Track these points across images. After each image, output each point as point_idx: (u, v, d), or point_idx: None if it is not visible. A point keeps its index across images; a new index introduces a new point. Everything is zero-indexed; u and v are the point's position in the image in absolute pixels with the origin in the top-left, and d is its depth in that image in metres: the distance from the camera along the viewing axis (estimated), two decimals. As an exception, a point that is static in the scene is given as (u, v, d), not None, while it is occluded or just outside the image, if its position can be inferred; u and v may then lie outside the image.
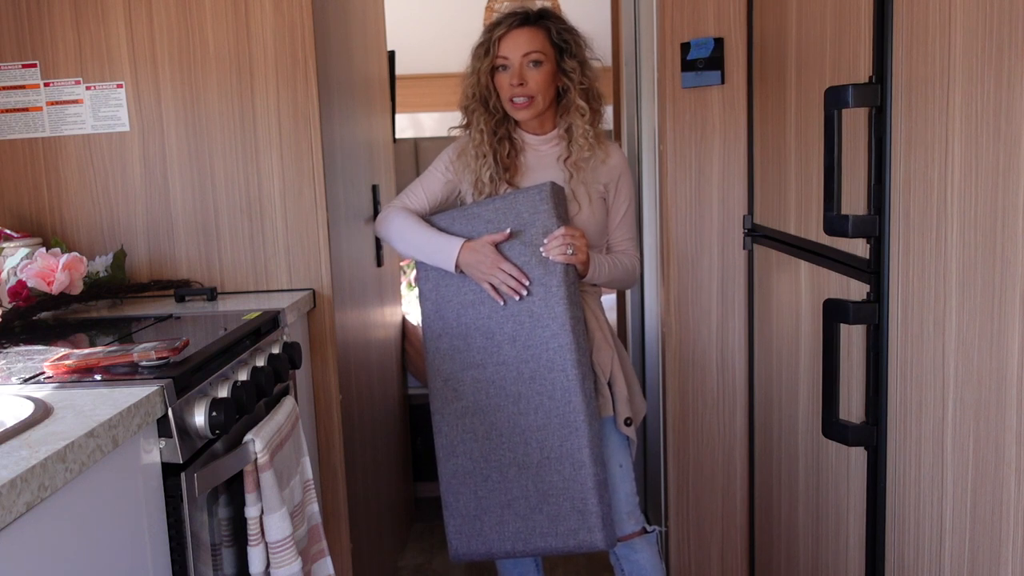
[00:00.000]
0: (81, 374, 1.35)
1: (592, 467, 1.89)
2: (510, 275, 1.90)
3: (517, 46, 1.94)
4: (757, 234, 2.10)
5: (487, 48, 1.97)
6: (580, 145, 1.98)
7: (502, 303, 1.92)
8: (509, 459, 1.95)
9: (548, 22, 1.98)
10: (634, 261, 2.08)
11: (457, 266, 1.94)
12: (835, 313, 1.40)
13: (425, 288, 2.02)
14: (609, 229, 2.06)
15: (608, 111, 2.07)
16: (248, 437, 1.50)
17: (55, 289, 1.88)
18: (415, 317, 3.48)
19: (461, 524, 2.01)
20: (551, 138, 2.03)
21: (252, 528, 1.48)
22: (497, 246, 1.92)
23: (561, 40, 1.97)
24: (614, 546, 1.95)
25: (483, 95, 1.99)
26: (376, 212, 2.75)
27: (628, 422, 1.98)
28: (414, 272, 4.03)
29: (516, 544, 1.97)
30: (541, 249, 1.89)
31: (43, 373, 1.37)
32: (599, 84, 2.03)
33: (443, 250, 1.95)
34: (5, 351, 1.57)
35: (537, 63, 1.93)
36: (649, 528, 2.03)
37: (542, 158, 2.03)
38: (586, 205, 1.99)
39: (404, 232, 2.01)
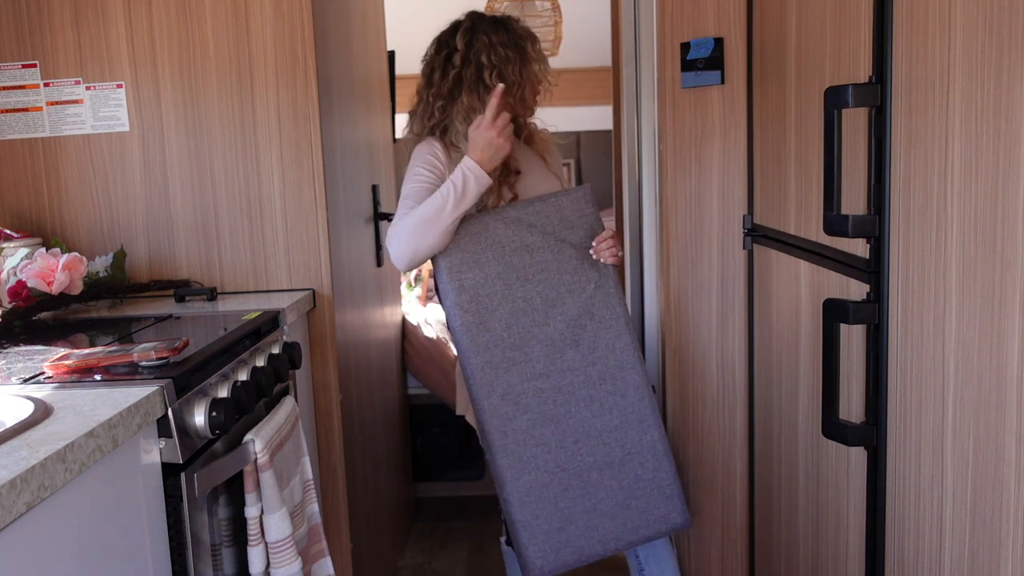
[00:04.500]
0: (81, 374, 1.35)
1: (670, 453, 1.97)
2: (504, 122, 1.84)
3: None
4: (757, 234, 2.10)
5: (528, 57, 2.01)
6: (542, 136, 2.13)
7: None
8: (589, 463, 1.93)
9: None
10: None
11: (488, 170, 1.83)
12: (835, 313, 1.40)
13: (462, 299, 1.87)
14: None
15: (608, 111, 2.09)
16: (248, 437, 1.50)
17: (55, 289, 1.88)
18: (415, 317, 3.48)
19: (544, 541, 1.91)
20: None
21: (252, 528, 1.48)
22: (538, 253, 1.91)
23: None
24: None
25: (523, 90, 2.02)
26: (376, 212, 2.76)
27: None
28: (414, 272, 4.03)
29: (608, 544, 1.95)
30: (591, 252, 1.92)
31: (43, 373, 1.37)
32: None
33: (468, 177, 1.81)
34: (5, 351, 1.57)
35: None
36: None
37: (515, 149, 2.04)
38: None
39: (418, 219, 1.82)
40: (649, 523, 1.96)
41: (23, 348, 1.60)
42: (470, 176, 1.82)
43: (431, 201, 1.82)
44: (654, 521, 1.96)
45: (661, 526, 1.97)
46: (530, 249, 1.90)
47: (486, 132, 1.82)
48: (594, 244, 1.92)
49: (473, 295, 1.88)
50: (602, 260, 1.93)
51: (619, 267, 1.97)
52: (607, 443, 1.93)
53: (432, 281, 2.29)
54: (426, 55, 2.05)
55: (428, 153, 1.95)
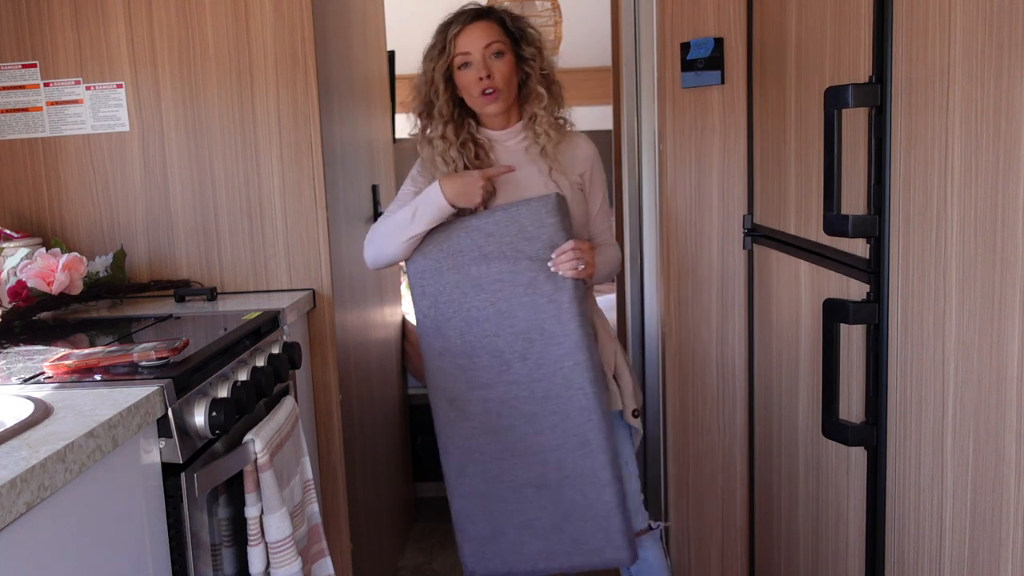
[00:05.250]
0: (81, 374, 1.35)
1: (614, 484, 1.85)
2: (494, 174, 1.84)
3: (477, 39, 1.87)
4: (757, 234, 2.10)
5: (443, 47, 1.90)
6: (545, 132, 1.93)
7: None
8: (524, 479, 1.89)
9: (500, 14, 1.95)
10: (617, 250, 2.05)
11: (450, 203, 1.82)
12: (835, 313, 1.40)
13: (422, 305, 1.91)
14: (588, 220, 2.01)
15: (608, 111, 2.07)
16: (248, 437, 1.50)
17: (55, 289, 1.88)
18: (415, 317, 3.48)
19: (477, 547, 1.94)
20: (517, 131, 1.96)
21: (252, 528, 1.48)
22: (494, 264, 1.85)
23: (516, 28, 1.94)
24: (636, 560, 1.93)
25: (435, 98, 1.91)
26: (376, 212, 2.76)
27: (636, 413, 1.97)
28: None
29: (538, 563, 1.92)
30: (550, 264, 1.82)
31: (43, 373, 1.37)
32: (557, 74, 1.99)
33: (426, 202, 1.83)
34: (5, 351, 1.57)
35: (499, 54, 1.88)
36: (654, 525, 2.02)
37: (513, 154, 1.95)
38: (569, 196, 1.93)
39: (384, 227, 1.89)
40: (582, 552, 1.88)
41: (23, 348, 1.60)
42: (430, 202, 1.84)
43: (398, 215, 1.87)
44: (587, 552, 1.88)
45: (594, 558, 1.88)
46: (488, 259, 1.85)
47: (471, 172, 1.83)
48: (553, 256, 1.82)
49: (433, 302, 1.90)
50: (560, 273, 1.82)
51: (585, 279, 1.84)
52: (545, 462, 1.87)
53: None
54: None
55: (415, 172, 1.98)
